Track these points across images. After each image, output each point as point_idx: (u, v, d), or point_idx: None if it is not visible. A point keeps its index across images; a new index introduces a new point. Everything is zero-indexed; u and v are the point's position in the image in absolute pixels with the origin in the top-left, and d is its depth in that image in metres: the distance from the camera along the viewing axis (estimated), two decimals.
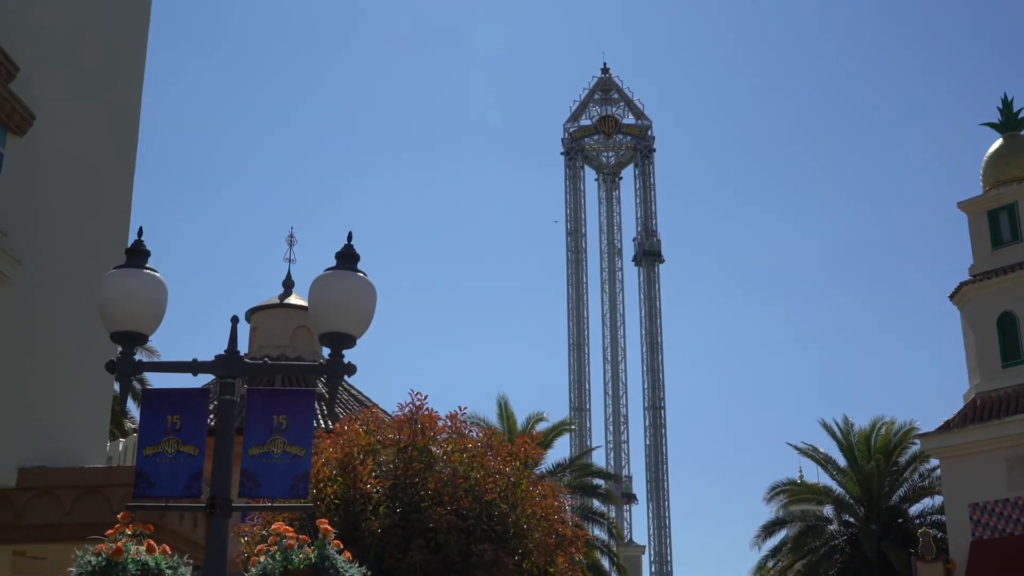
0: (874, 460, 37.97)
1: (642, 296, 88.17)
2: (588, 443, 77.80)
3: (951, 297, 35.14)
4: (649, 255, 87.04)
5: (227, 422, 8.23)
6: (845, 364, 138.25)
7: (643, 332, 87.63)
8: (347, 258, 8.34)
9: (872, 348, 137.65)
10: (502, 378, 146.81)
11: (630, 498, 76.52)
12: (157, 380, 24.40)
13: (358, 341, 8.29)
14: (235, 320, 8.77)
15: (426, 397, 14.14)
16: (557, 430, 42.80)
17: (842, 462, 39.49)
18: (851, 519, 38.88)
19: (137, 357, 8.43)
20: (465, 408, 14.66)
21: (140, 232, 8.83)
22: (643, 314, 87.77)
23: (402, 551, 12.34)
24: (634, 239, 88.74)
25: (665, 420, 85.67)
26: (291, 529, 8.12)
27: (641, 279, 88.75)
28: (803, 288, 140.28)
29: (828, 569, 37.63)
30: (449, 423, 14.15)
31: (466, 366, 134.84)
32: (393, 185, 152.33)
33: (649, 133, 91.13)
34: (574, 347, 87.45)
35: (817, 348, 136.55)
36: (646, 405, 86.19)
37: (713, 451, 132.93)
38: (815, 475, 43.56)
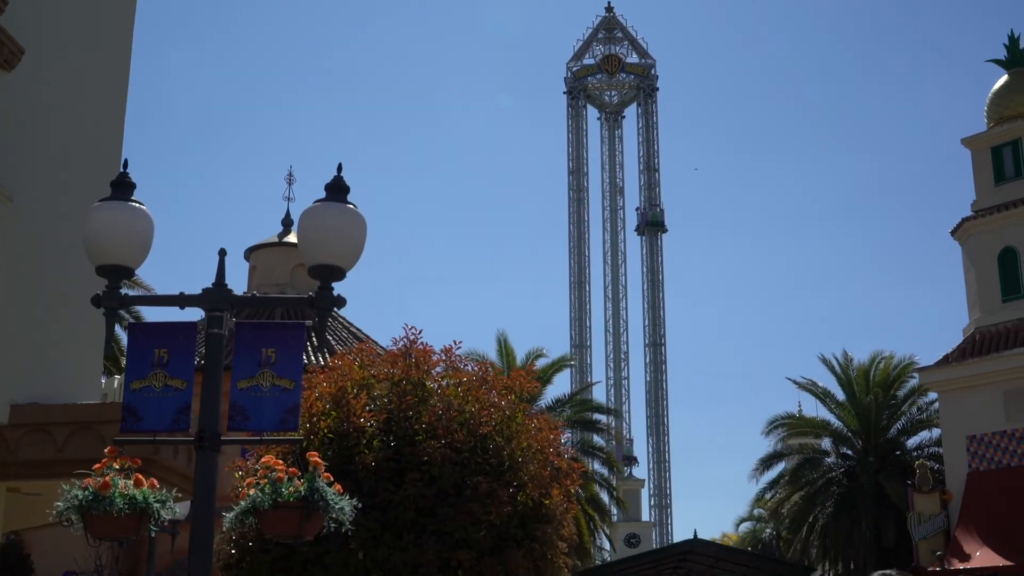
0: (872, 394, 38.09)
1: (643, 236, 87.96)
2: (588, 379, 78.03)
3: (953, 233, 35.07)
4: (652, 225, 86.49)
5: (215, 355, 8.13)
6: (846, 301, 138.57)
7: (644, 270, 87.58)
8: (336, 189, 8.20)
9: (873, 284, 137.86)
10: (503, 316, 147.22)
11: (631, 460, 76.72)
12: (152, 316, 24.37)
13: (351, 272, 8.19)
14: (223, 252, 8.63)
15: (420, 331, 14.04)
16: (557, 366, 42.83)
17: (841, 396, 39.63)
18: (849, 452, 39.10)
19: (132, 293, 8.33)
20: (460, 343, 14.57)
21: (125, 165, 8.68)
22: (644, 252, 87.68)
23: (396, 484, 12.30)
24: (637, 208, 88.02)
25: (666, 357, 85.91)
26: (281, 463, 8.03)
27: (643, 221, 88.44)
28: (805, 226, 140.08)
29: (825, 501, 37.90)
30: (444, 357, 14.06)
31: (468, 305, 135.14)
32: (395, 124, 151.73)
33: (652, 72, 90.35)
34: (575, 285, 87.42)
35: (818, 285, 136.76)
36: (647, 342, 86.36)
37: (713, 387, 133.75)
38: (814, 409, 43.79)
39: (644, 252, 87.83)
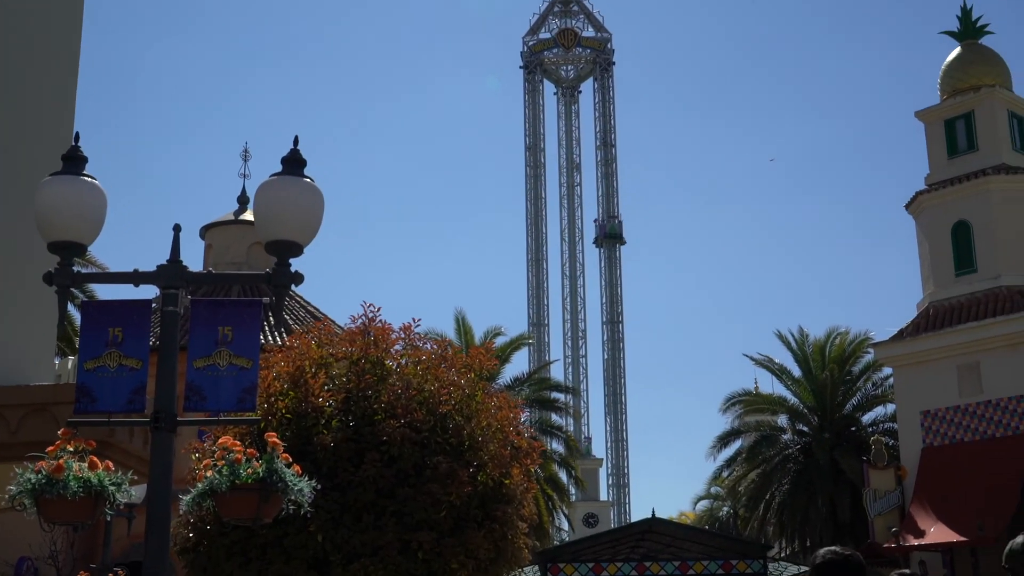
0: (828, 370, 38.34)
1: (601, 210, 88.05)
2: (546, 357, 78.12)
3: (907, 207, 35.26)
4: (610, 237, 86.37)
5: (171, 334, 7.98)
6: (801, 275, 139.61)
7: (601, 248, 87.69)
8: (293, 163, 8.05)
9: (828, 259, 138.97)
10: (460, 294, 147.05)
11: (588, 446, 76.81)
12: (106, 295, 24.02)
13: (308, 250, 8.06)
14: (177, 228, 8.47)
15: (379, 309, 13.91)
16: (515, 344, 42.77)
17: (797, 372, 39.89)
18: (805, 428, 39.36)
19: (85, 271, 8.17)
20: (419, 320, 14.45)
21: (76, 138, 8.48)
22: (601, 235, 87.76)
23: (355, 465, 12.20)
24: (595, 220, 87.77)
25: (623, 334, 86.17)
26: (239, 444, 7.91)
27: (599, 193, 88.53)
28: (760, 200, 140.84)
29: (781, 478, 38.15)
30: (403, 335, 13.94)
31: (425, 283, 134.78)
32: (350, 100, 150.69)
33: (609, 46, 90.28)
34: (532, 262, 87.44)
35: (774, 259, 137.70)
36: (604, 320, 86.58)
37: (671, 364, 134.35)
38: (770, 386, 44.04)
39: (601, 235, 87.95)
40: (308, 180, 8.03)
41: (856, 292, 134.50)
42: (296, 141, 8.17)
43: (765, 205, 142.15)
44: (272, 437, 7.74)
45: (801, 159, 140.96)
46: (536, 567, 29.44)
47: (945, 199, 33.66)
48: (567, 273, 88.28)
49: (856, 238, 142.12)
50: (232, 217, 33.49)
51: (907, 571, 8.62)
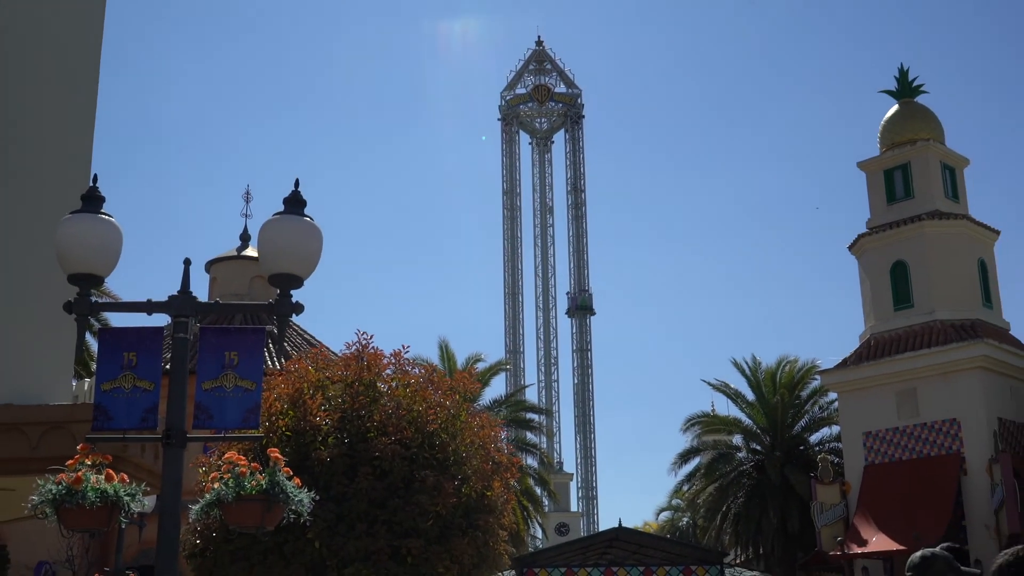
0: (779, 394, 38.42)
1: (571, 250, 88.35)
2: (522, 382, 78.03)
3: (850, 248, 35.54)
4: (581, 309, 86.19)
5: (181, 358, 7.96)
6: (755, 309, 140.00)
7: (572, 282, 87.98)
8: (294, 203, 8.09)
9: (779, 294, 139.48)
10: (443, 325, 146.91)
11: (560, 466, 76.51)
12: (117, 322, 23.88)
13: (306, 283, 8.08)
14: (187, 262, 8.49)
15: (371, 336, 13.89)
16: (494, 370, 42.70)
17: (751, 396, 39.92)
18: (758, 447, 39.38)
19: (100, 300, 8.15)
20: (408, 347, 14.44)
21: (95, 179, 8.49)
22: (572, 266, 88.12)
23: (349, 478, 12.15)
24: (567, 293, 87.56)
25: (592, 361, 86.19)
26: (244, 458, 7.89)
27: (570, 233, 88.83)
28: (718, 239, 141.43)
29: (737, 492, 38.13)
30: (393, 360, 13.92)
31: (409, 314, 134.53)
32: (344, 148, 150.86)
33: (579, 101, 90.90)
34: (509, 295, 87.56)
35: (730, 294, 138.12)
36: (574, 348, 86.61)
37: (635, 388, 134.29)
38: (726, 408, 44.09)
39: (571, 266, 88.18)
40: (308, 219, 8.07)
41: (804, 324, 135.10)
42: (297, 183, 8.22)
43: (722, 244, 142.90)
44: (274, 452, 7.74)
45: (752, 205, 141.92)
46: (513, 572, 29.27)
47: (884, 241, 33.93)
48: (540, 305, 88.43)
49: (804, 275, 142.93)
50: (235, 253, 33.44)
51: None
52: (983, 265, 33.78)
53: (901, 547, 28.08)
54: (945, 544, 7.67)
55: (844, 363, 33.55)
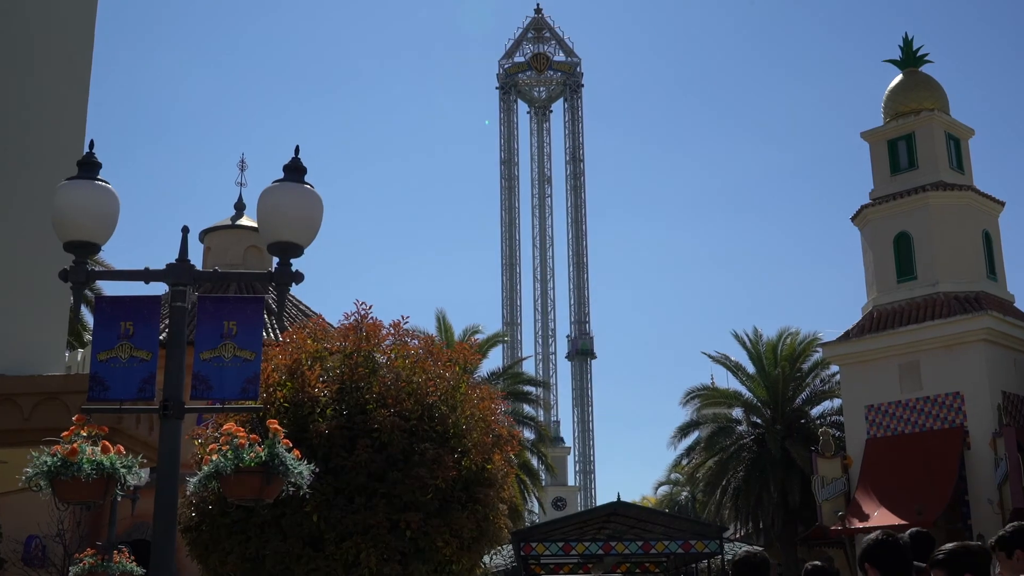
0: (780, 367, 38.49)
1: (569, 220, 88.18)
2: (519, 354, 78.15)
3: (853, 219, 35.48)
4: (582, 353, 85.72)
5: (178, 327, 7.90)
6: (757, 282, 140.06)
7: (570, 253, 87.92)
8: (294, 170, 8.02)
9: (781, 267, 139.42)
10: (440, 296, 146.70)
11: (558, 440, 76.72)
12: (113, 291, 23.73)
13: (304, 253, 8.02)
14: (186, 230, 8.42)
15: (370, 307, 13.81)
16: (491, 341, 42.74)
17: (751, 369, 39.99)
18: (758, 420, 39.47)
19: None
20: (408, 318, 14.37)
21: (91, 145, 8.39)
22: (570, 236, 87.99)
23: (348, 450, 12.11)
24: (568, 336, 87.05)
25: (590, 333, 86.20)
26: (242, 430, 7.85)
27: (568, 204, 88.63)
28: (718, 211, 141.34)
29: (737, 466, 38.25)
30: (392, 331, 13.85)
31: (406, 286, 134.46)
32: (339, 118, 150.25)
33: (578, 70, 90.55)
34: (507, 267, 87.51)
35: (732, 267, 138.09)
36: (572, 320, 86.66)
37: (634, 361, 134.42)
38: (726, 381, 44.16)
39: (570, 237, 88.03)
40: (308, 186, 8.00)
41: (806, 298, 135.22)
42: (297, 150, 8.16)
43: (723, 217, 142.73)
44: (274, 424, 7.71)
45: (758, 176, 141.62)
46: (511, 546, 29.34)
47: (888, 212, 33.87)
48: (538, 277, 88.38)
49: (805, 248, 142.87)
50: (229, 222, 33.31)
51: (819, 562, 8.62)
52: (987, 237, 33.74)
53: (903, 521, 28.14)
54: (913, 531, 7.62)
55: (846, 335, 33.59)
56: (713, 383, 47.02)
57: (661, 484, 65.86)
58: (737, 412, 41.23)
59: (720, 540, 29.89)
